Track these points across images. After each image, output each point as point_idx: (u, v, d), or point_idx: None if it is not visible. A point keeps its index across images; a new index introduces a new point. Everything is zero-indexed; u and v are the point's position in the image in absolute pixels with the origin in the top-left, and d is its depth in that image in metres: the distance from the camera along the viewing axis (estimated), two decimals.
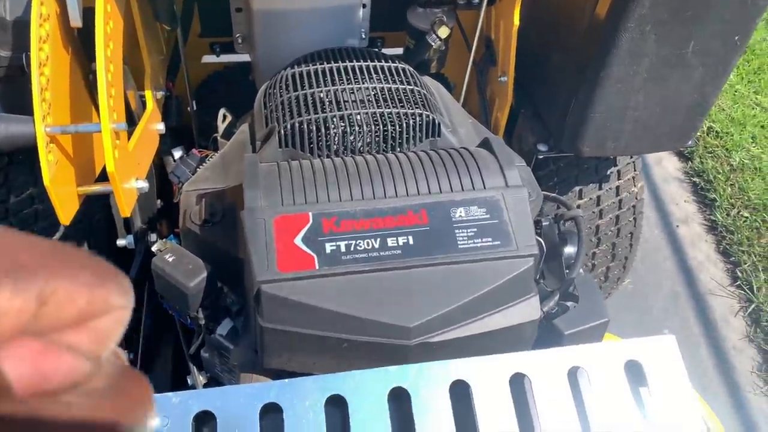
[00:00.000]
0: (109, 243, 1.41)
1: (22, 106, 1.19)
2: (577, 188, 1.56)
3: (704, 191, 2.60)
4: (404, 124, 0.98)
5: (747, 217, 2.42)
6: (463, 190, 0.83)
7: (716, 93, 1.24)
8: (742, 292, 2.20)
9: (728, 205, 2.49)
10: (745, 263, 2.27)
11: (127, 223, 1.32)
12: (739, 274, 2.25)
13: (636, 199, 1.62)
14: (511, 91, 1.40)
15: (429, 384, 0.68)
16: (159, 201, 1.41)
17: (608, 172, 1.56)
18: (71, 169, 0.88)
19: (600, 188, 1.57)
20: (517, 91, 1.41)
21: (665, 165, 2.79)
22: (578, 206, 1.56)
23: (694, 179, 2.67)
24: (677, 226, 2.48)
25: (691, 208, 2.57)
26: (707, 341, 2.06)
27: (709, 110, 1.29)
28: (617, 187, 1.58)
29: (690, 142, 1.34)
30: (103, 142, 0.77)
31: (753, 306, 2.14)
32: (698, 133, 2.81)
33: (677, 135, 1.30)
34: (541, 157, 1.38)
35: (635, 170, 1.60)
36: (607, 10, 1.10)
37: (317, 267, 0.75)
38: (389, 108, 1.00)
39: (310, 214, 0.79)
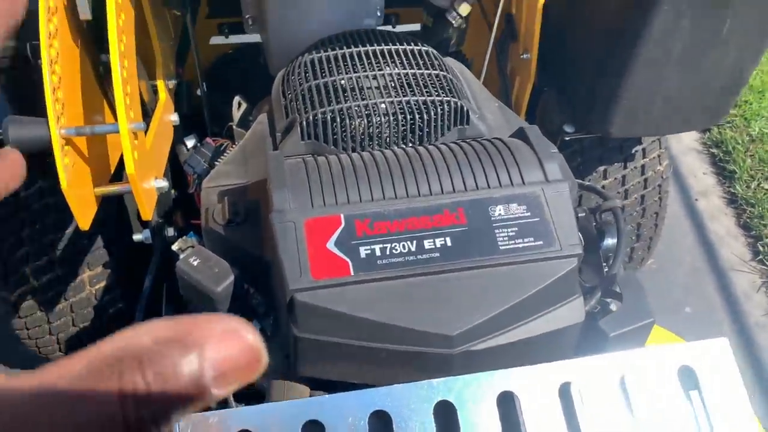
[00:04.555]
0: (123, 235, 1.37)
1: (26, 96, 1.14)
2: (601, 168, 1.51)
3: (723, 163, 2.54)
4: (431, 113, 0.93)
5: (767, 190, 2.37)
6: (500, 185, 0.79)
7: (750, 71, 1.19)
8: (764, 267, 2.17)
9: (748, 177, 2.44)
10: (767, 237, 2.22)
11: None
12: (761, 249, 2.21)
13: (662, 178, 1.57)
14: (534, 68, 1.34)
15: (475, 396, 0.65)
16: (173, 191, 1.37)
17: (633, 151, 1.52)
18: (87, 170, 0.84)
19: (625, 168, 1.52)
20: (539, 68, 1.36)
21: (682, 137, 2.72)
22: (603, 187, 1.52)
23: (713, 150, 2.61)
24: (696, 199, 2.43)
25: (710, 181, 2.52)
26: (730, 318, 2.03)
27: (743, 88, 1.24)
28: (642, 166, 1.54)
29: (722, 121, 1.29)
30: (122, 143, 0.73)
31: None
32: None
33: (709, 114, 1.25)
34: (567, 138, 1.33)
35: (660, 148, 1.55)
36: None
37: (352, 273, 0.72)
38: (414, 96, 0.95)
39: (342, 216, 0.75)
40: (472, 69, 1.50)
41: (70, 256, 1.35)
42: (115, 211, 1.36)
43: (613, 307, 0.82)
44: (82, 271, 1.37)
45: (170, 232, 1.24)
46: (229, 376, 0.19)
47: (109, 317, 1.44)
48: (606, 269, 0.88)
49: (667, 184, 1.59)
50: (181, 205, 1.39)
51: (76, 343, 1.46)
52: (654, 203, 1.58)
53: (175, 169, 1.37)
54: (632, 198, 1.55)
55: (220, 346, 0.19)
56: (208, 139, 1.28)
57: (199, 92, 1.47)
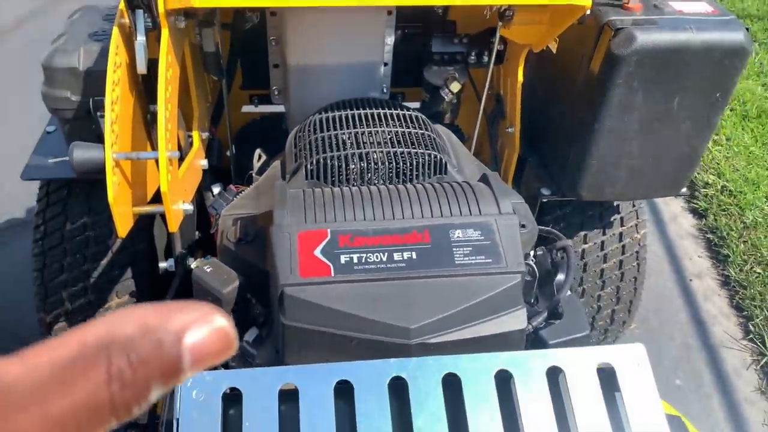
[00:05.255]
0: (150, 270, 1.56)
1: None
2: (582, 233, 1.66)
3: (718, 247, 2.66)
4: (414, 162, 1.12)
5: (760, 273, 2.47)
6: (461, 215, 0.96)
7: (704, 145, 1.36)
8: (755, 345, 2.23)
9: (741, 261, 2.54)
10: (758, 317, 2.30)
11: (169, 248, 1.47)
12: (752, 328, 2.28)
13: (639, 245, 1.71)
14: (518, 141, 1.54)
15: (425, 375, 0.79)
16: (197, 232, 1.56)
17: (611, 219, 1.67)
18: (129, 191, 1.04)
19: (604, 234, 1.67)
20: (525, 141, 1.55)
21: (680, 221, 2.87)
22: (583, 250, 1.67)
23: (708, 236, 2.74)
24: (690, 280, 2.53)
25: (705, 264, 2.63)
26: (719, 392, 2.08)
27: (699, 160, 1.41)
28: (621, 234, 1.69)
29: (683, 190, 1.45)
30: (159, 165, 0.93)
31: (765, 359, 2.17)
32: (712, 192, 2.90)
33: (670, 183, 1.42)
34: (545, 200, 1.50)
35: (638, 218, 1.70)
36: (598, 68, 1.25)
37: (333, 274, 0.88)
38: (402, 148, 1.14)
39: (329, 230, 0.92)
40: (468, 142, 1.71)
41: (102, 284, 1.53)
42: (145, 248, 1.55)
43: (556, 323, 0.96)
44: (111, 298, 1.54)
45: (191, 262, 1.42)
46: (203, 359, 0.21)
47: None
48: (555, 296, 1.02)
49: (644, 251, 1.72)
50: (203, 245, 1.58)
51: None
52: (632, 268, 1.71)
53: (202, 214, 1.57)
54: (611, 262, 1.68)
55: (196, 332, 0.21)
56: (231, 186, 1.48)
57: (228, 153, 1.70)
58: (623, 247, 1.69)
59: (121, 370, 0.20)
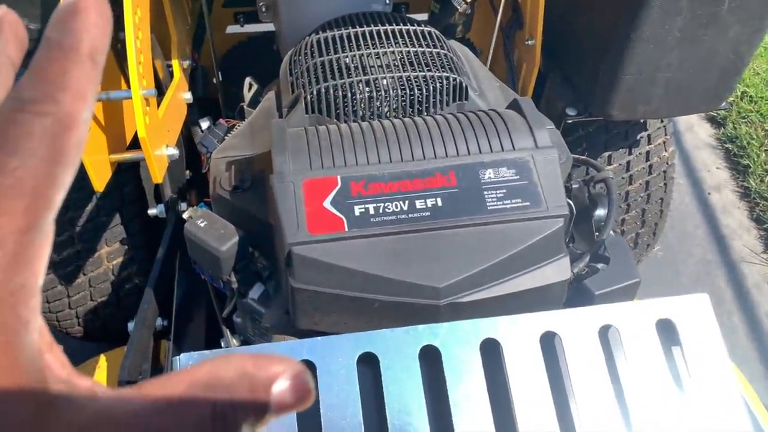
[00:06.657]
0: (140, 213, 1.43)
1: None
2: (606, 154, 1.53)
3: (737, 157, 2.53)
4: (431, 88, 0.97)
5: None
6: (492, 151, 0.82)
7: (751, 52, 1.21)
8: None
9: (762, 172, 2.43)
10: None
11: (158, 192, 1.35)
12: None
13: (667, 164, 1.59)
14: (539, 54, 1.37)
15: (459, 342, 0.69)
16: (188, 171, 1.43)
17: (638, 137, 1.53)
18: (103, 137, 0.90)
19: (630, 153, 1.54)
20: (545, 54, 1.39)
21: (697, 131, 2.72)
22: None
23: (727, 145, 2.61)
24: (709, 193, 2.43)
25: (724, 175, 2.51)
26: (740, 308, 2.02)
27: (743, 70, 1.25)
28: (647, 152, 1.55)
29: (723, 104, 1.31)
30: (134, 107, 0.78)
31: None
32: (731, 98, 2.73)
33: (710, 97, 1.27)
34: (570, 121, 1.36)
35: (666, 135, 1.57)
36: None
37: (347, 229, 0.76)
38: (415, 72, 0.99)
39: (339, 177, 0.79)
40: (480, 56, 1.53)
41: (90, 232, 1.41)
42: (134, 189, 1.42)
43: (601, 269, 0.85)
44: (100, 246, 1.43)
45: (183, 207, 1.30)
46: (285, 406, 0.25)
47: (126, 292, 1.49)
48: (597, 236, 0.90)
49: (672, 170, 1.60)
50: (195, 185, 1.45)
51: (93, 317, 1.52)
52: (659, 189, 1.59)
53: (191, 151, 1.43)
54: (637, 183, 1.56)
55: (282, 382, 0.24)
56: (221, 120, 1.33)
57: (215, 80, 1.53)
58: (650, 167, 1.56)
59: (223, 410, 0.24)
